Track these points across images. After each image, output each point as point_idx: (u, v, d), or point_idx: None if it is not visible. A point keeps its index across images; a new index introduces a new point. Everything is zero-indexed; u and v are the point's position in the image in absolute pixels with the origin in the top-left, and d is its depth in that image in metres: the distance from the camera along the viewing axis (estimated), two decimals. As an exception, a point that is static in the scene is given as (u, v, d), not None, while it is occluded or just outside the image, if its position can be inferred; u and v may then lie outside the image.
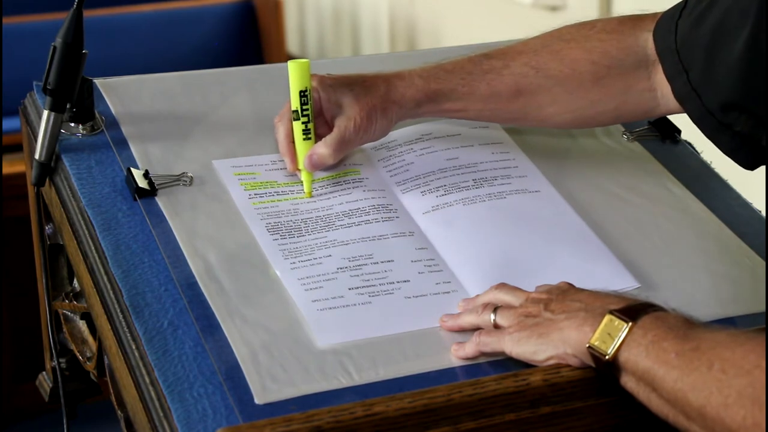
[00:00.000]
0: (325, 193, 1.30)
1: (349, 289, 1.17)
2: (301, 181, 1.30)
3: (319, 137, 1.29)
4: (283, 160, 1.33)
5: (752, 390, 0.92)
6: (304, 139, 1.29)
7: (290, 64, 1.28)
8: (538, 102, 1.31)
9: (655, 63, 1.27)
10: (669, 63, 1.24)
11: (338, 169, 1.33)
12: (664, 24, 1.26)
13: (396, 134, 1.38)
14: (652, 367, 0.98)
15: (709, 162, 1.42)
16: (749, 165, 1.21)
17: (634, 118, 1.37)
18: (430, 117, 1.35)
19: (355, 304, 1.15)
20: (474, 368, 1.09)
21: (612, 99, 1.30)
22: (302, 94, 1.28)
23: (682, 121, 1.46)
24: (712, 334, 0.98)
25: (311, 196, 1.29)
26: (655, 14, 1.29)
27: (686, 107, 1.23)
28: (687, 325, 1.00)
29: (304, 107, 1.28)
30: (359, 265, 1.20)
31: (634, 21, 1.30)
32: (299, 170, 1.30)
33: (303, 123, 1.28)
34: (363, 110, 1.28)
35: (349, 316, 1.14)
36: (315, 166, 1.29)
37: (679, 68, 1.23)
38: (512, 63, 1.31)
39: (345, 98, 1.29)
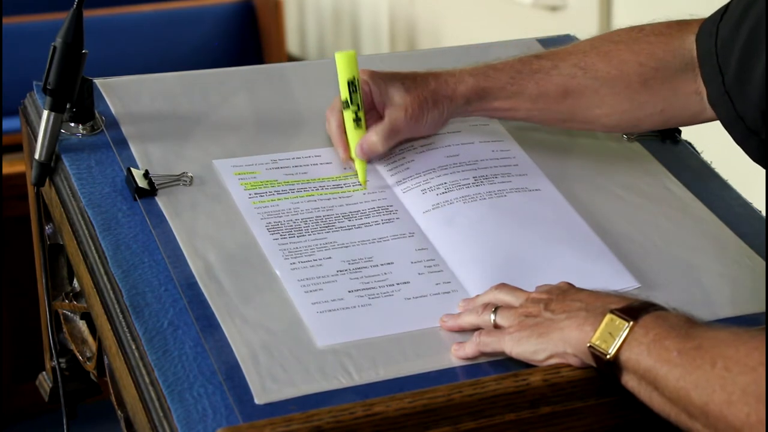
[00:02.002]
0: (326, 194, 1.30)
1: (349, 291, 1.17)
2: (302, 181, 1.30)
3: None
4: (283, 160, 1.33)
5: (756, 387, 0.92)
6: (355, 128, 1.31)
7: (337, 55, 1.30)
8: (586, 103, 1.32)
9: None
10: (707, 66, 1.24)
11: (337, 173, 1.33)
12: (707, 27, 1.26)
13: (396, 134, 1.38)
14: (653, 365, 0.98)
15: (709, 162, 1.42)
16: None
17: (681, 122, 1.36)
18: (480, 116, 1.35)
19: (354, 306, 1.15)
20: (474, 368, 1.09)
21: (659, 101, 1.30)
22: (350, 83, 1.30)
23: (682, 121, 1.46)
24: (715, 333, 0.98)
25: (366, 186, 1.31)
26: (701, 19, 1.29)
27: (717, 111, 1.23)
28: (689, 324, 1.00)
29: (353, 96, 1.30)
30: (359, 268, 1.20)
31: (682, 24, 1.31)
32: (351, 159, 1.32)
33: (353, 111, 1.30)
34: (414, 101, 1.29)
35: (349, 318, 1.14)
36: (366, 153, 1.31)
37: (715, 71, 1.23)
38: (561, 63, 1.32)
39: (396, 90, 1.30)
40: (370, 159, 1.33)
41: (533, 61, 1.33)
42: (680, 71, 1.29)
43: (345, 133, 1.32)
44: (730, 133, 1.22)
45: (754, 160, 1.20)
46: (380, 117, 1.32)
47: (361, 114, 1.30)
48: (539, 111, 1.33)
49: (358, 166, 1.32)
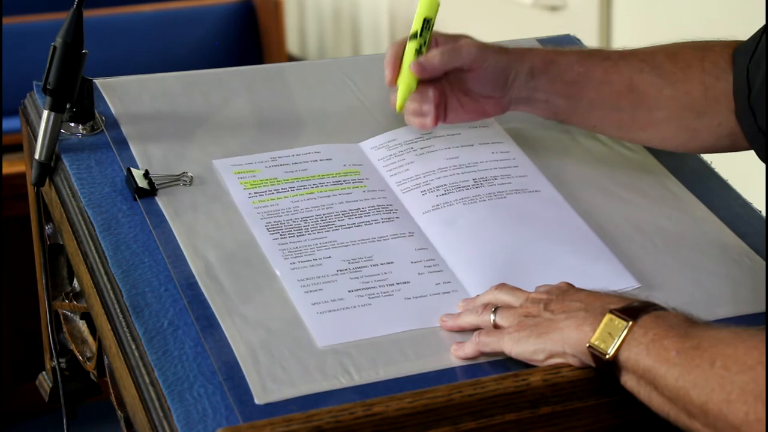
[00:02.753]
0: (325, 192, 1.30)
1: (349, 291, 1.17)
2: (302, 179, 1.30)
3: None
4: (283, 157, 1.33)
5: (755, 386, 0.92)
6: (413, 57, 1.30)
7: None
8: (648, 102, 1.29)
9: None
10: (739, 81, 1.23)
11: (337, 169, 1.33)
12: (747, 44, 1.24)
13: (396, 133, 1.38)
14: (653, 365, 0.98)
15: (709, 162, 1.42)
16: None
17: (734, 143, 1.30)
18: (538, 101, 1.32)
19: (354, 306, 1.15)
20: (474, 368, 1.09)
21: (717, 113, 1.27)
22: (425, 21, 1.31)
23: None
24: (714, 332, 0.98)
25: (400, 112, 1.31)
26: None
27: (742, 126, 1.22)
28: (688, 324, 1.00)
29: (424, 32, 1.30)
30: (359, 267, 1.20)
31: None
32: (396, 86, 1.30)
33: (418, 44, 1.30)
34: (479, 43, 1.29)
35: (349, 318, 1.14)
36: (422, 66, 1.28)
37: (744, 86, 1.22)
38: (629, 57, 1.31)
39: (465, 38, 1.30)
40: (423, 77, 1.29)
41: (602, 52, 1.32)
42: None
43: (399, 60, 1.31)
44: (753, 148, 1.21)
45: None
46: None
47: (424, 49, 1.29)
48: (600, 104, 1.30)
49: (400, 91, 1.30)
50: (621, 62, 1.30)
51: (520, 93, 1.31)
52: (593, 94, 1.30)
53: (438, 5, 1.32)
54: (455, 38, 1.31)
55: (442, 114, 1.32)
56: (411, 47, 1.30)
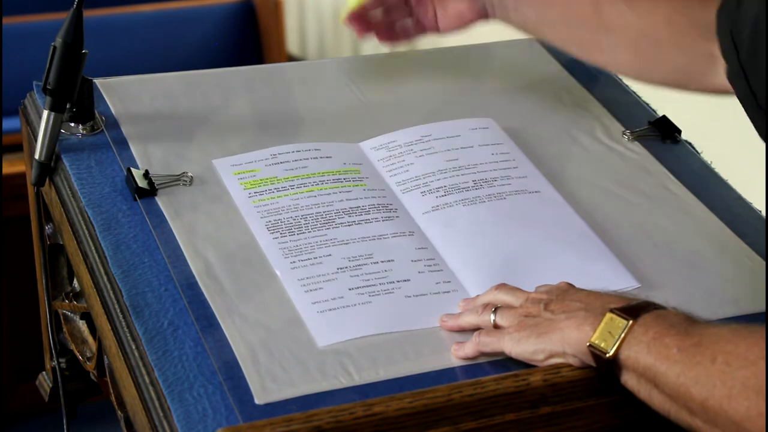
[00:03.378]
0: (325, 189, 1.30)
1: (349, 289, 1.17)
2: (302, 176, 1.30)
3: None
4: (283, 154, 1.32)
5: (756, 381, 0.92)
6: None
7: None
8: (610, 24, 1.30)
9: None
10: (725, 41, 1.21)
11: (337, 167, 1.33)
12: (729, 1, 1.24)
13: (396, 135, 1.38)
14: (653, 363, 0.98)
15: (709, 162, 1.42)
16: None
17: (689, 79, 1.31)
18: (509, 4, 1.34)
19: (355, 304, 1.15)
20: (474, 368, 1.09)
21: (675, 43, 1.28)
22: None
23: (682, 121, 1.46)
24: (714, 329, 0.98)
25: (341, 22, 1.34)
26: None
27: (734, 87, 1.21)
28: (688, 322, 1.00)
29: None
30: (359, 265, 1.20)
31: None
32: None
33: None
34: None
35: (349, 315, 1.14)
36: None
37: (731, 47, 1.21)
38: None
39: None
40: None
41: None
42: (704, 29, 1.25)
43: None
44: (744, 108, 1.21)
45: (762, 138, 1.19)
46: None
47: None
48: (566, 20, 1.32)
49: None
50: None
51: (500, 13, 1.35)
52: (560, 8, 1.33)
53: None
54: None
55: (392, 34, 1.39)
56: None
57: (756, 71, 1.15)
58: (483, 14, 1.39)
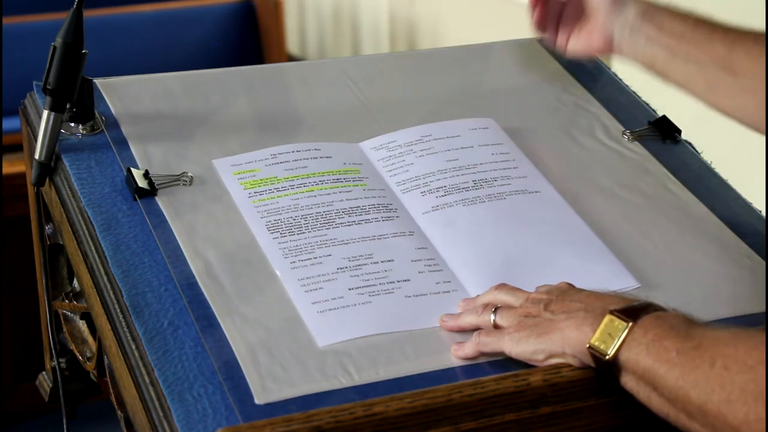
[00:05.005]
0: (325, 189, 1.30)
1: (349, 289, 1.17)
2: (302, 176, 1.30)
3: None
4: (283, 154, 1.32)
5: (755, 386, 0.92)
6: None
7: None
8: (741, 67, 1.27)
9: None
10: None
11: (337, 167, 1.33)
12: None
13: (396, 135, 1.38)
14: (653, 365, 0.98)
15: (709, 162, 1.42)
16: None
17: None
18: (643, 43, 1.32)
19: (355, 304, 1.15)
20: (474, 368, 1.09)
21: None
22: None
23: (682, 121, 1.46)
24: (714, 332, 0.98)
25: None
26: None
27: None
28: (688, 324, 1.00)
29: None
30: (359, 265, 1.20)
31: None
32: None
33: None
34: None
35: (349, 315, 1.14)
36: None
37: None
38: (741, 32, 1.29)
39: None
40: None
41: (712, 20, 1.32)
42: None
43: None
44: None
45: None
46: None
47: None
48: (696, 60, 1.29)
49: None
50: (725, 28, 1.29)
51: (626, 28, 1.32)
52: (693, 48, 1.29)
53: None
54: None
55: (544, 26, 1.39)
56: None
57: None
58: (609, 46, 1.35)
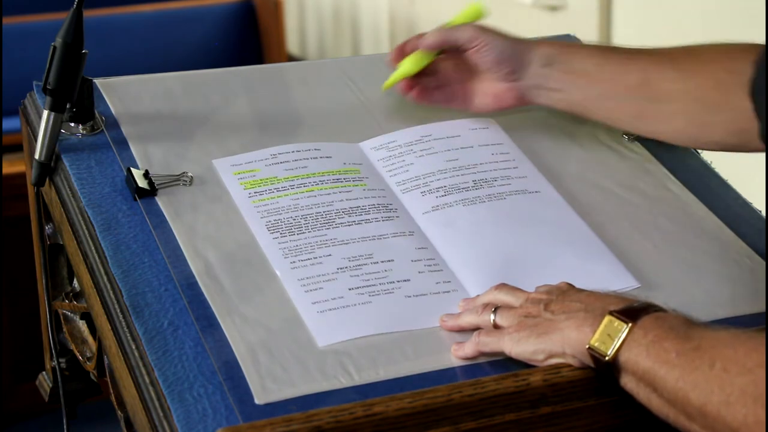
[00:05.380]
0: (325, 189, 1.30)
1: (349, 289, 1.17)
2: (302, 176, 1.30)
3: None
4: (283, 154, 1.32)
5: (754, 388, 0.92)
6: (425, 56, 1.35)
7: (470, 5, 1.35)
8: (661, 94, 1.29)
9: None
10: (759, 100, 1.22)
11: (337, 167, 1.33)
12: (763, 59, 1.24)
13: (396, 135, 1.38)
14: (652, 367, 0.98)
15: (709, 162, 1.42)
16: None
17: (745, 143, 1.27)
18: (551, 92, 1.33)
19: (355, 304, 1.15)
20: (474, 368, 1.09)
21: (730, 109, 1.26)
22: None
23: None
24: (713, 333, 0.98)
25: (383, 90, 1.36)
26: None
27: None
28: (687, 325, 1.00)
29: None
30: (359, 265, 1.20)
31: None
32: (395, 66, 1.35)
33: (435, 56, 1.35)
34: (483, 26, 1.33)
35: (349, 315, 1.14)
36: (424, 40, 1.34)
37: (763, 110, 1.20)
38: (647, 51, 1.31)
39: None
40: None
41: (619, 46, 1.34)
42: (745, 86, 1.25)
43: (412, 48, 1.35)
44: None
45: None
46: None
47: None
48: (611, 95, 1.31)
49: (397, 71, 1.35)
50: (637, 56, 1.30)
51: (534, 80, 1.32)
52: (607, 85, 1.30)
53: (481, 16, 1.36)
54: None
55: (432, 96, 1.38)
56: (427, 55, 1.35)
57: None
58: (522, 99, 1.36)
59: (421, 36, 1.35)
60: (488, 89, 1.37)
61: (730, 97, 1.26)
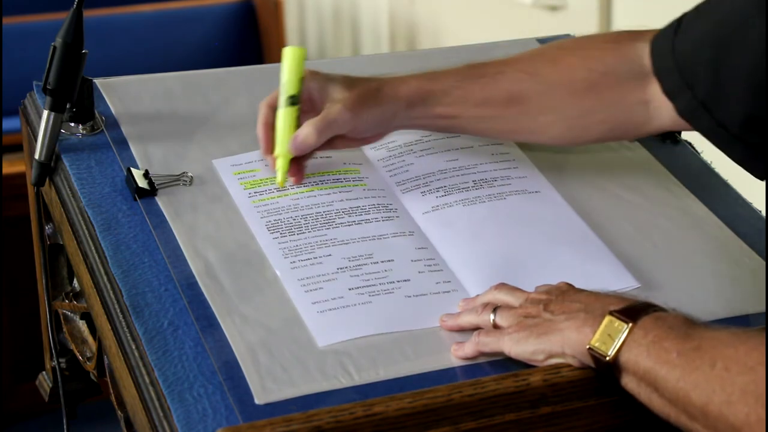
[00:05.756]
0: (325, 189, 1.30)
1: (349, 289, 1.17)
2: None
3: None
4: None
5: (755, 387, 0.92)
6: (294, 126, 1.26)
7: (290, 50, 1.26)
8: (532, 109, 1.29)
9: (650, 75, 1.25)
10: (669, 82, 1.22)
11: (337, 167, 1.33)
12: (660, 43, 1.25)
13: (396, 135, 1.38)
14: (653, 367, 0.98)
15: (709, 162, 1.42)
16: (762, 175, 1.20)
17: (626, 132, 1.32)
18: (424, 124, 1.31)
19: (355, 304, 1.15)
20: (474, 368, 1.09)
21: (604, 107, 1.28)
22: (302, 81, 1.26)
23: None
24: (714, 333, 0.98)
25: (283, 186, 1.27)
26: (653, 30, 1.28)
27: (694, 123, 1.22)
28: (688, 325, 1.00)
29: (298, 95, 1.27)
30: (359, 265, 1.20)
31: (632, 34, 1.29)
32: (272, 157, 1.27)
33: (297, 110, 1.26)
34: (354, 96, 1.25)
35: (349, 315, 1.14)
36: (298, 147, 1.25)
37: (681, 86, 1.21)
38: (507, 69, 1.30)
39: (337, 87, 1.26)
40: (301, 154, 1.27)
41: (479, 66, 1.31)
42: (627, 78, 1.26)
43: (271, 128, 1.27)
44: (709, 140, 1.21)
45: (737, 163, 1.20)
46: (315, 113, 1.27)
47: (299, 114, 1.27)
48: (485, 119, 1.30)
49: (281, 163, 1.26)
50: (499, 77, 1.29)
51: (402, 123, 1.30)
52: (474, 112, 1.29)
53: (305, 56, 1.27)
54: (325, 78, 1.28)
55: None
56: (291, 115, 1.26)
57: (722, 106, 1.16)
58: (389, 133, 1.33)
59: (271, 109, 1.28)
60: (358, 141, 1.32)
61: (608, 96, 1.27)
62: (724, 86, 1.16)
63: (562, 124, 1.30)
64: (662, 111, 1.24)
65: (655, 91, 1.24)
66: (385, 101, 1.27)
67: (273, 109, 1.28)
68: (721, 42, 1.16)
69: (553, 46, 1.33)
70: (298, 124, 1.27)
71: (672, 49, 1.22)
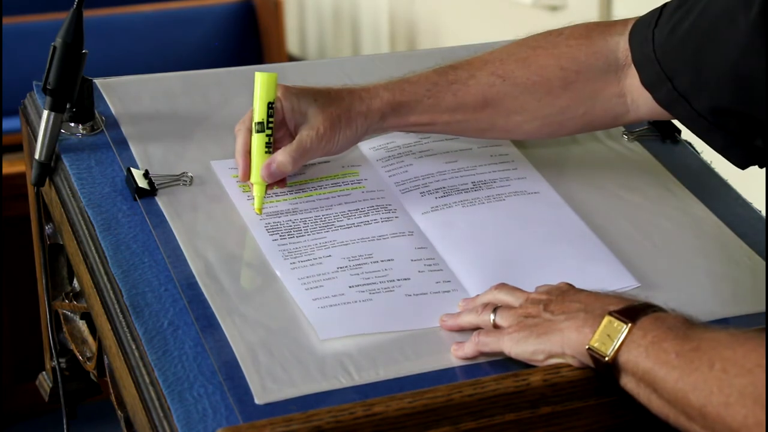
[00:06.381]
0: (324, 194, 1.30)
1: (350, 287, 1.17)
2: (300, 182, 1.30)
3: (279, 149, 1.26)
4: None
5: (753, 389, 0.92)
6: (265, 152, 1.25)
7: (259, 75, 1.26)
8: (506, 111, 1.30)
9: (625, 68, 1.26)
10: (648, 72, 1.23)
11: (336, 170, 1.33)
12: (639, 32, 1.25)
13: (395, 136, 1.38)
14: (652, 367, 0.98)
15: (709, 162, 1.42)
16: (741, 163, 1.20)
17: (603, 125, 1.34)
18: (398, 131, 1.33)
19: (355, 301, 1.16)
20: (474, 368, 1.09)
21: (581, 104, 1.29)
22: (270, 106, 1.25)
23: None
24: (713, 334, 0.98)
25: (261, 213, 1.25)
26: (625, 20, 1.28)
27: (674, 112, 1.22)
28: (687, 326, 1.00)
29: (270, 120, 1.25)
30: (359, 264, 1.20)
31: (603, 26, 1.30)
32: (251, 183, 1.27)
33: (267, 135, 1.25)
34: (327, 120, 1.26)
35: (350, 312, 1.14)
36: (273, 175, 1.25)
37: (661, 76, 1.22)
38: (478, 73, 1.30)
39: (309, 108, 1.26)
40: (273, 181, 1.27)
41: (449, 71, 1.31)
42: (602, 73, 1.27)
43: (248, 154, 1.26)
44: (690, 129, 1.22)
45: (717, 151, 1.21)
46: (290, 134, 1.28)
47: (271, 139, 1.26)
48: (457, 123, 1.30)
49: (256, 191, 1.25)
50: (471, 82, 1.30)
51: (375, 132, 1.32)
52: (447, 117, 1.30)
53: (276, 82, 1.26)
54: (298, 96, 1.27)
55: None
56: (261, 141, 1.25)
57: (702, 96, 1.17)
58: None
59: (248, 133, 1.27)
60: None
61: (585, 92, 1.28)
62: (704, 78, 1.17)
63: (538, 122, 1.31)
64: (639, 102, 1.25)
65: (631, 83, 1.25)
66: (358, 120, 1.28)
67: (251, 132, 1.27)
68: (703, 34, 1.16)
69: (524, 45, 1.32)
70: (275, 147, 1.26)
71: (652, 39, 1.22)
